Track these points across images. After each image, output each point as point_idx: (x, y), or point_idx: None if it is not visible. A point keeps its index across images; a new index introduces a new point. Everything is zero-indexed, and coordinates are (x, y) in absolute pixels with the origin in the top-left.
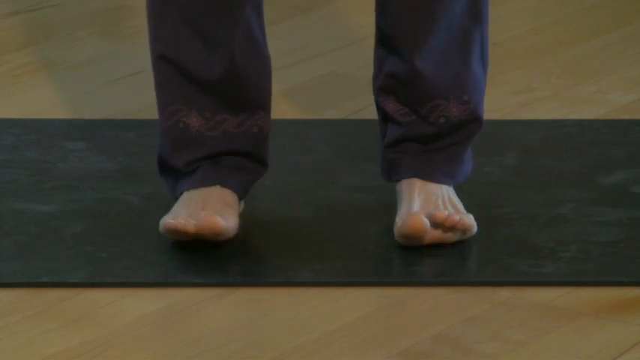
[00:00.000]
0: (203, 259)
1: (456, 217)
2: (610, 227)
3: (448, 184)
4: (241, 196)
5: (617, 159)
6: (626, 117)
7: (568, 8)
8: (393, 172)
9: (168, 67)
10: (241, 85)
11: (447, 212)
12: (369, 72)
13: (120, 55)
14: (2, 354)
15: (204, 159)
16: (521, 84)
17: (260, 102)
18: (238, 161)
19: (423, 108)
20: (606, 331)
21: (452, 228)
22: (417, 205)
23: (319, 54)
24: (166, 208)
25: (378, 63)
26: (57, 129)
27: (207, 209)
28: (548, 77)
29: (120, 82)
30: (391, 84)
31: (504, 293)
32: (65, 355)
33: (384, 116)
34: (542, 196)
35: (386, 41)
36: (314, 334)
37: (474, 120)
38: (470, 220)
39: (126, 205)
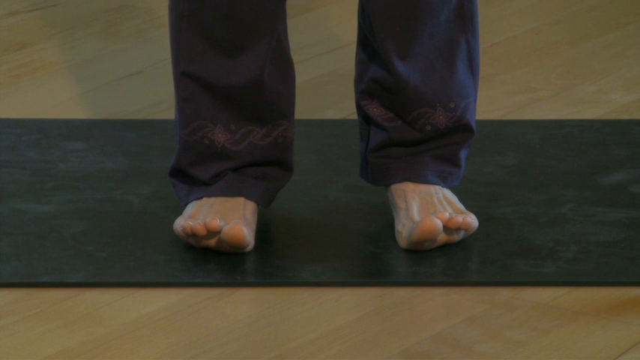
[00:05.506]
0: (203, 259)
1: (459, 218)
2: (610, 227)
3: (440, 184)
4: (265, 206)
5: (617, 159)
6: (626, 117)
7: (568, 8)
8: (381, 177)
9: (192, 83)
10: (267, 94)
11: (447, 214)
12: None
13: (120, 55)
14: (2, 354)
15: (230, 170)
16: (521, 84)
17: (284, 112)
18: (263, 170)
19: (409, 115)
20: (606, 331)
21: (456, 229)
22: (414, 209)
23: (319, 54)
24: (167, 208)
25: (361, 66)
26: (57, 129)
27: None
28: (548, 77)
29: (120, 82)
30: (375, 88)
31: (504, 293)
32: (65, 355)
33: (367, 120)
34: (542, 196)
35: (368, 46)
36: (314, 334)
37: (462, 127)
38: (472, 219)
39: (126, 205)
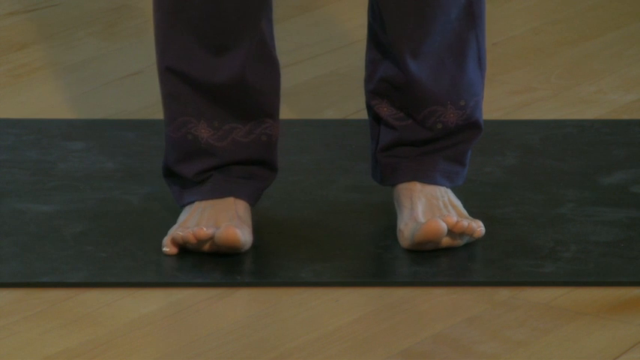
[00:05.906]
0: (203, 259)
1: (465, 223)
2: (610, 227)
3: (446, 185)
4: (253, 204)
5: (617, 159)
6: (626, 117)
7: (568, 8)
8: (389, 177)
9: (176, 79)
10: (250, 93)
11: (455, 218)
12: None
13: (120, 55)
14: (2, 354)
15: (214, 169)
16: (521, 84)
17: (269, 110)
18: (248, 169)
19: (420, 114)
20: (606, 331)
21: (460, 234)
22: (419, 209)
23: (319, 54)
24: (167, 208)
25: (371, 65)
26: (57, 129)
27: (224, 223)
28: (548, 77)
29: (120, 82)
30: (385, 88)
31: (504, 293)
32: (65, 355)
33: (377, 119)
34: (542, 196)
35: (379, 45)
36: (314, 334)
37: (471, 125)
38: (477, 225)
39: (126, 205)
